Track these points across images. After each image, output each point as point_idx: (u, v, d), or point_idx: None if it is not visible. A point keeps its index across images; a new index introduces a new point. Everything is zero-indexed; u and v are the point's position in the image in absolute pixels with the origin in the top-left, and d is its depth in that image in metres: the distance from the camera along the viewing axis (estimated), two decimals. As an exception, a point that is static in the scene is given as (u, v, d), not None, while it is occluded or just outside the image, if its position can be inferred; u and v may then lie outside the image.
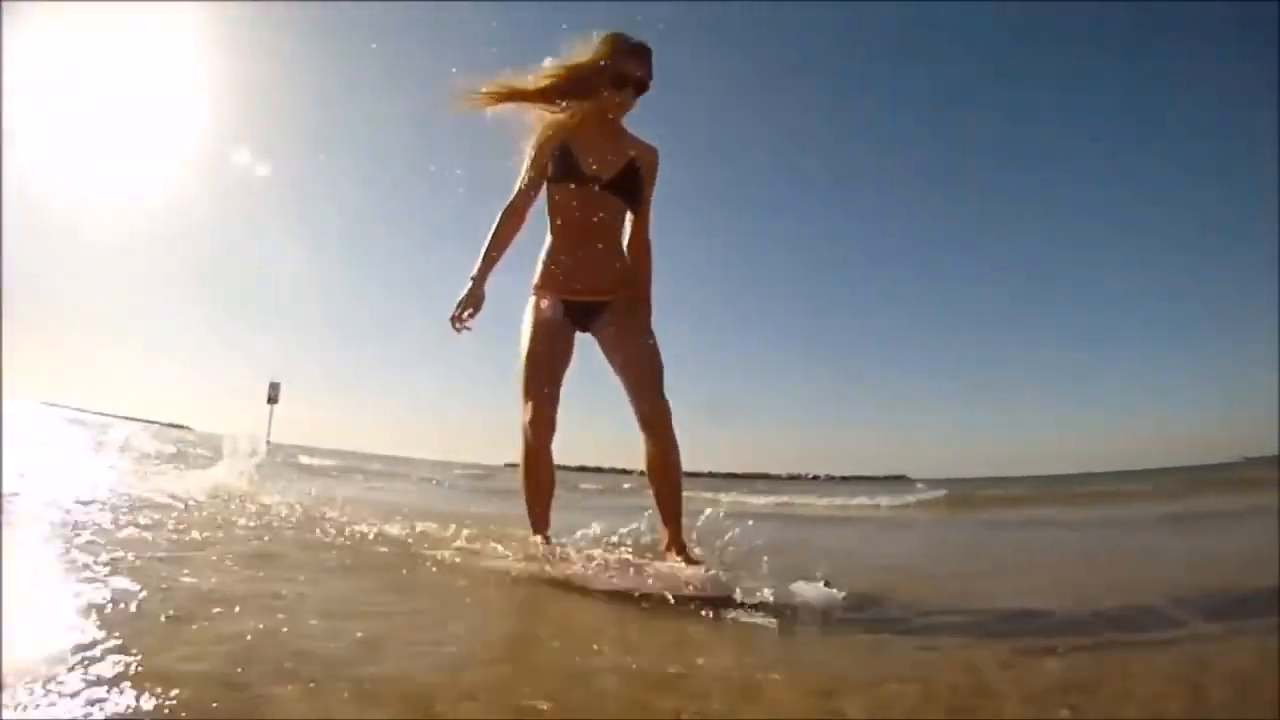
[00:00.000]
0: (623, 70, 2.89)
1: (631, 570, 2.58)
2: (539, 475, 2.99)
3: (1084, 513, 9.51)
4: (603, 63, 2.88)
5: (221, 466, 5.80)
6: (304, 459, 15.83)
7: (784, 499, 14.46)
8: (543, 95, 2.93)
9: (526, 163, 2.97)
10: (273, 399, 25.51)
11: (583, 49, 2.90)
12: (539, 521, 3.06)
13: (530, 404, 2.86)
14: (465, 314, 2.83)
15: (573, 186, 2.94)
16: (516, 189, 2.96)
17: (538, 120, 2.98)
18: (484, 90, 2.93)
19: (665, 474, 2.86)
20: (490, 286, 2.92)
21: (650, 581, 2.37)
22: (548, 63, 2.92)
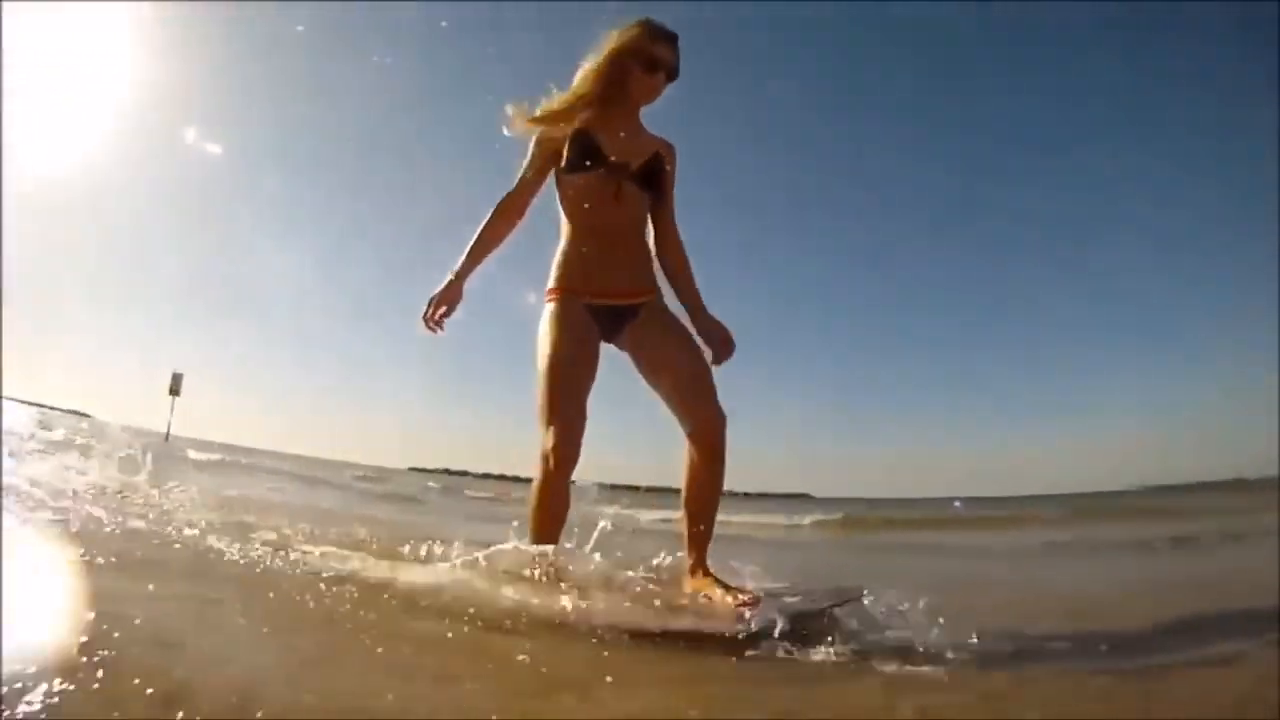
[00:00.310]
0: (656, 54, 2.69)
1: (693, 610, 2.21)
2: (556, 509, 2.49)
3: (969, 537, 9.67)
4: (636, 44, 2.69)
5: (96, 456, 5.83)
6: (193, 453, 15.22)
7: (677, 514, 14.29)
8: (594, 102, 2.67)
9: (533, 148, 2.71)
10: (174, 390, 24.56)
11: (610, 37, 2.71)
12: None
13: (555, 427, 2.43)
14: (439, 313, 2.63)
15: (600, 174, 2.66)
16: (520, 178, 2.72)
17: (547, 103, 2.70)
18: (539, 115, 2.67)
19: (714, 495, 2.61)
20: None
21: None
22: (584, 66, 2.72)
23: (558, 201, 2.73)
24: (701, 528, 2.57)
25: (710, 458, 2.57)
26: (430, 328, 2.64)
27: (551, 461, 2.40)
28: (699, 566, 2.52)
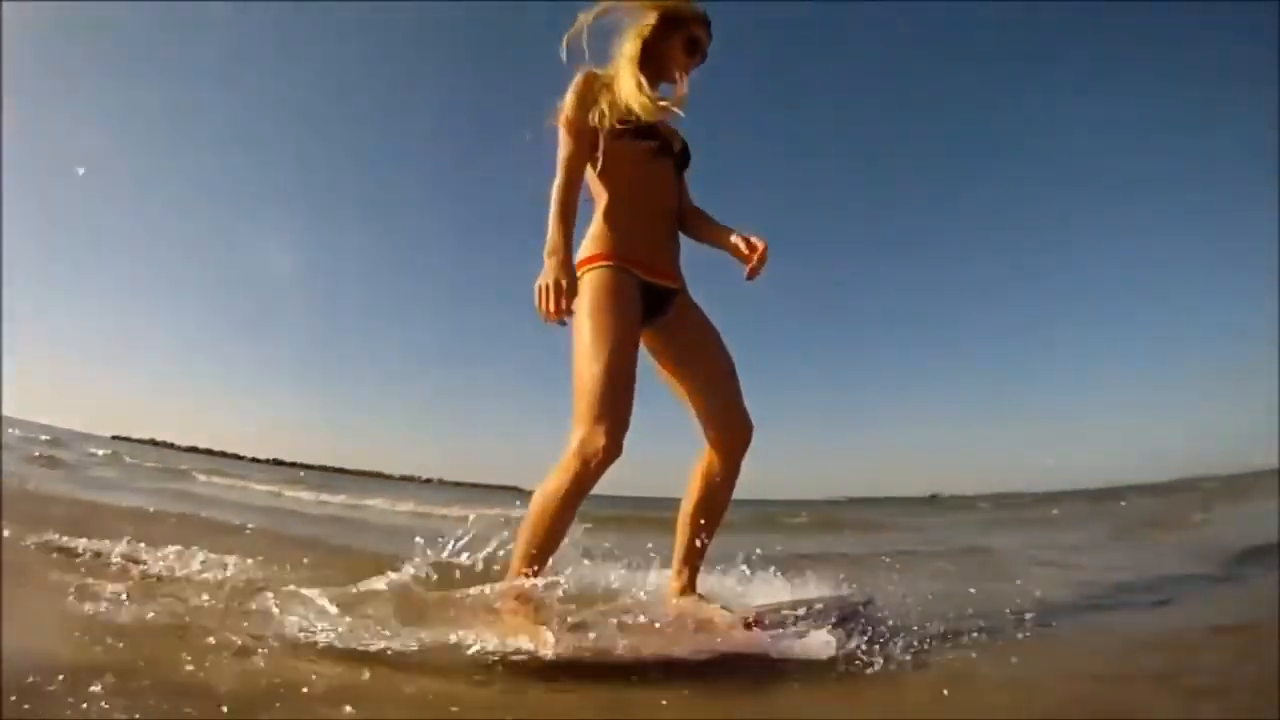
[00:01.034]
0: (698, 35, 2.53)
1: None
2: (572, 513, 2.18)
3: (886, 537, 9.71)
4: (684, 16, 2.51)
5: None
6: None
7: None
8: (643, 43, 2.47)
9: (578, 109, 2.39)
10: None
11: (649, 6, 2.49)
12: (539, 570, 2.15)
13: (610, 423, 2.14)
14: (569, 305, 2.22)
15: (654, 147, 2.49)
16: (571, 145, 2.36)
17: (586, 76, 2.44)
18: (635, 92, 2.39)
19: (725, 503, 2.47)
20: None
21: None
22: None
23: (591, 170, 2.44)
24: (704, 541, 2.42)
25: (733, 468, 2.42)
26: (559, 321, 2.21)
27: (595, 461, 2.11)
28: (690, 586, 2.40)
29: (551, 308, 2.16)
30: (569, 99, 2.38)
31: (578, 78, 2.40)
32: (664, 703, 1.64)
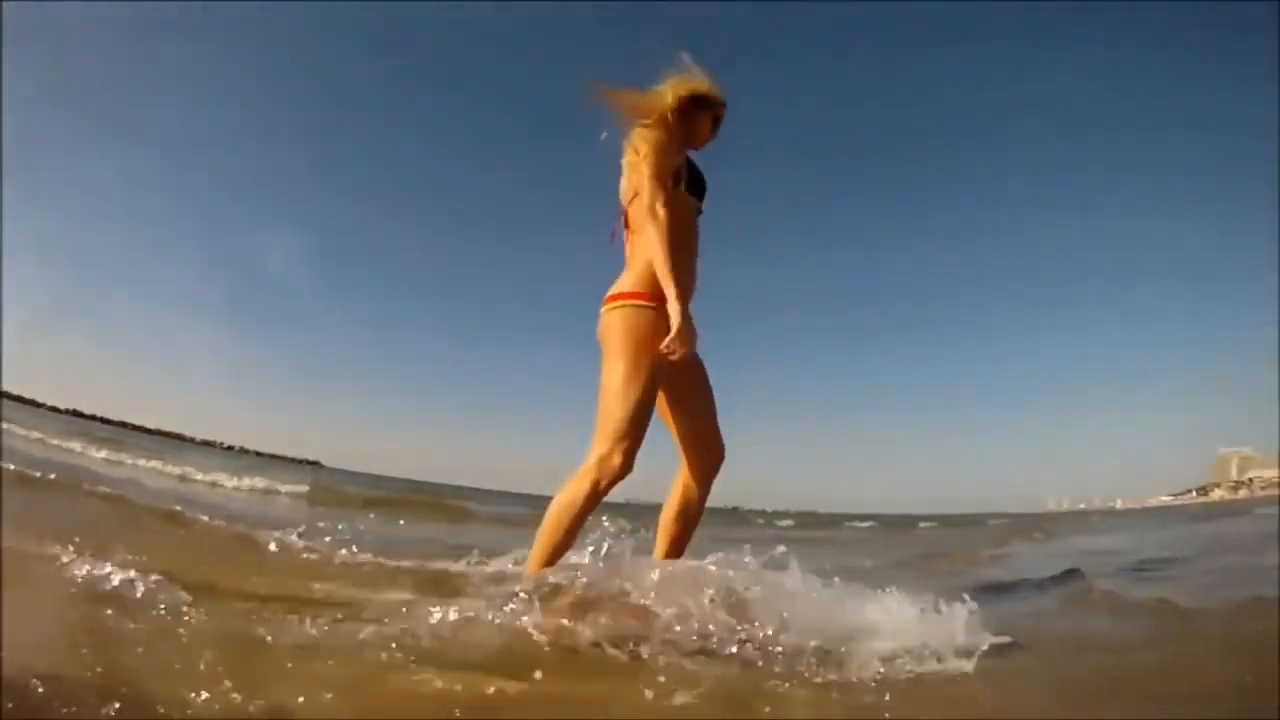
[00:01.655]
0: (721, 116, 2.89)
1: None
2: (584, 519, 2.51)
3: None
4: (717, 100, 2.84)
5: None
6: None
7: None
8: (678, 110, 2.76)
9: (663, 161, 2.67)
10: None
11: (690, 78, 2.80)
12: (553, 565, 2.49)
13: (628, 445, 2.48)
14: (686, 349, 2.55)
15: (700, 203, 2.84)
16: (662, 193, 2.62)
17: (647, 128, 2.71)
18: (624, 94, 2.79)
19: (699, 512, 2.86)
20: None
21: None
22: (669, 83, 2.78)
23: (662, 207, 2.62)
24: (682, 543, 2.81)
25: (709, 485, 2.83)
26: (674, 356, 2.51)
27: (609, 479, 2.45)
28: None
29: (685, 349, 2.51)
30: (661, 152, 2.65)
31: (663, 135, 2.68)
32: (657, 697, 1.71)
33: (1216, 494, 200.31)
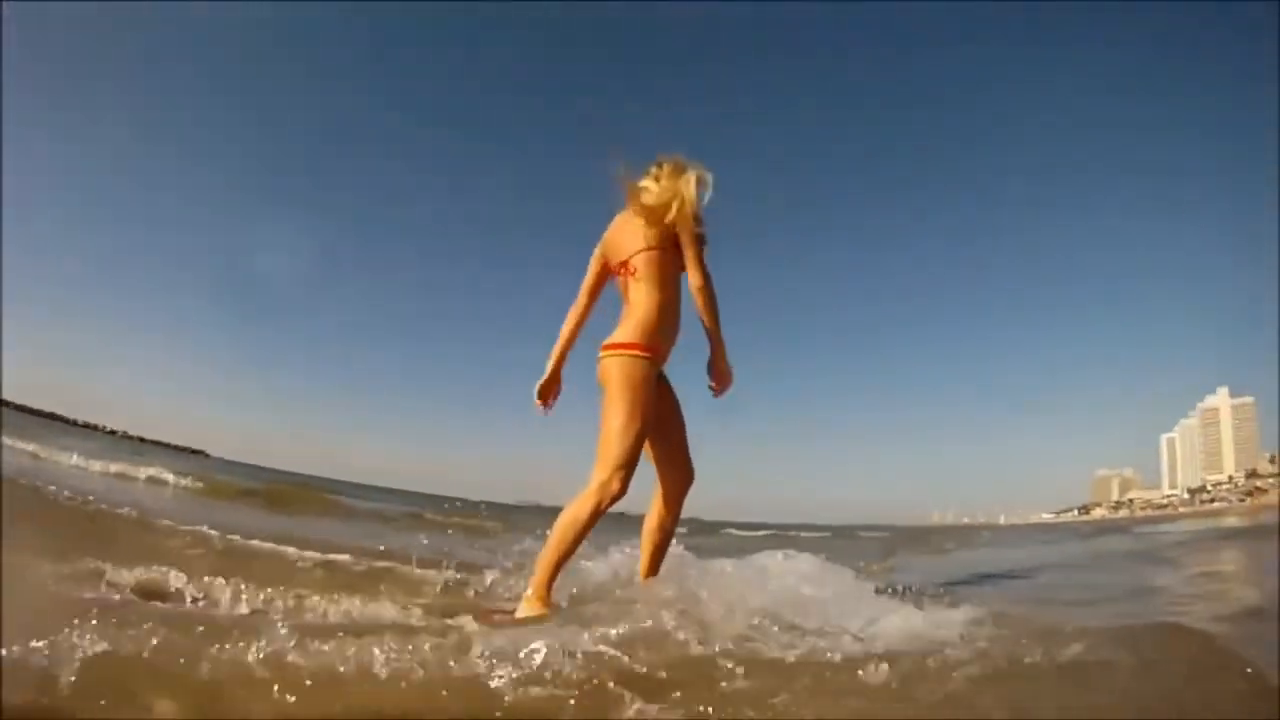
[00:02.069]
0: (704, 241, 3.41)
1: None
2: (586, 534, 3.13)
3: None
4: (706, 183, 3.38)
5: None
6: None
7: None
8: (681, 219, 3.28)
9: (699, 245, 3.34)
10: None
11: (698, 170, 3.36)
12: (552, 581, 3.11)
13: (625, 474, 3.11)
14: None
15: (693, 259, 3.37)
16: (707, 272, 3.33)
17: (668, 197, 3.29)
18: (644, 190, 3.35)
19: (675, 525, 3.49)
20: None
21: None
22: (690, 174, 3.33)
23: (663, 268, 3.34)
24: (662, 552, 3.44)
25: (681, 501, 3.46)
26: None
27: (608, 501, 3.07)
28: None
29: (726, 389, 3.46)
30: (697, 239, 3.31)
31: (691, 220, 3.29)
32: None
33: (1097, 513, 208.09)
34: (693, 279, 3.31)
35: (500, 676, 1.81)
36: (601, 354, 3.28)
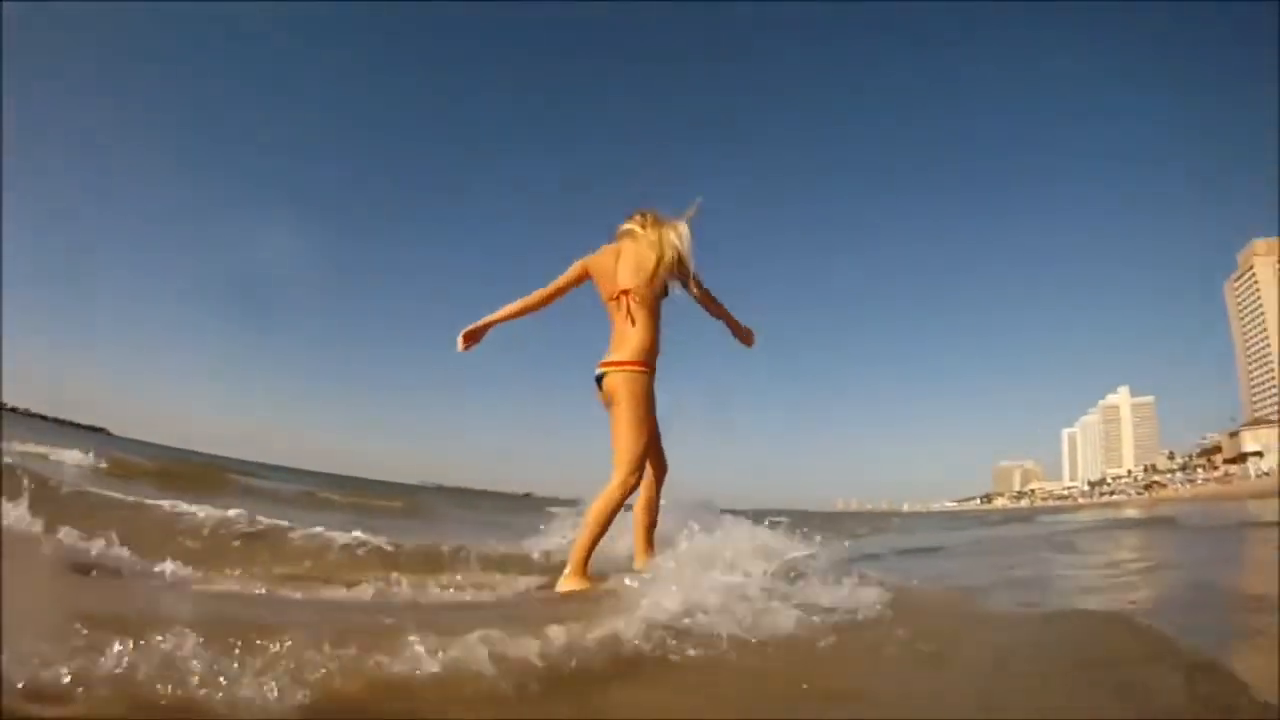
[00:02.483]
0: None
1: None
2: (611, 521, 3.85)
3: None
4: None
5: None
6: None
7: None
8: (680, 270, 4.17)
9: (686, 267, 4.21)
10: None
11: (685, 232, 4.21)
12: (587, 561, 3.78)
13: (639, 470, 3.94)
14: None
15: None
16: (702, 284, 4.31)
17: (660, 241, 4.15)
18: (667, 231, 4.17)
19: (658, 509, 4.19)
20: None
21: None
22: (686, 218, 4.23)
23: (655, 301, 4.14)
24: (651, 533, 4.13)
25: (660, 490, 4.22)
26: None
27: (628, 493, 3.89)
28: (646, 557, 3.99)
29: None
30: (689, 256, 4.16)
31: (690, 271, 4.17)
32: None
33: (999, 502, 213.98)
34: (697, 290, 4.24)
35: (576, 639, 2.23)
36: (608, 370, 4.03)
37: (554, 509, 5.98)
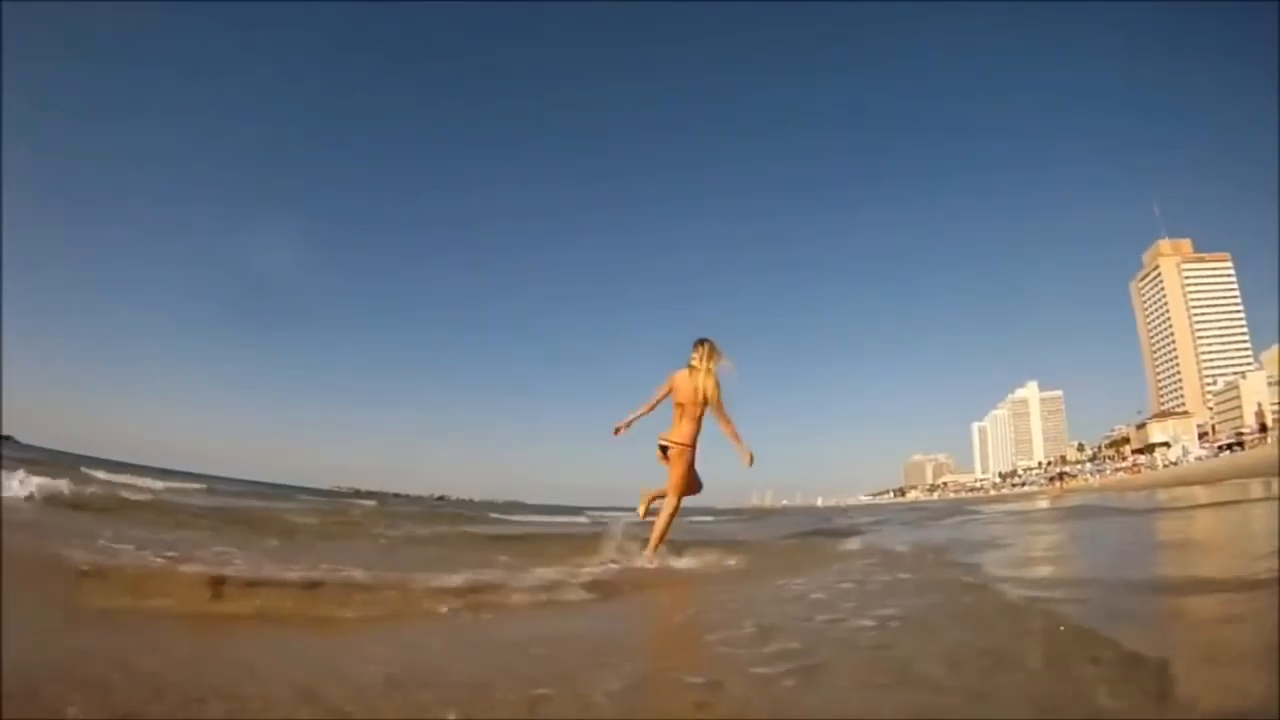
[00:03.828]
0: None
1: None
2: (671, 522, 7.34)
3: None
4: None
5: None
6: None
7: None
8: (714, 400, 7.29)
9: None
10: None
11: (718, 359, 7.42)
12: (658, 546, 7.11)
13: (683, 495, 7.36)
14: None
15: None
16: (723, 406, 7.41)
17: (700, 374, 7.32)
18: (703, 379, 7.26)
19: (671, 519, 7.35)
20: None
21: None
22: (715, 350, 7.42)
23: (701, 410, 7.30)
24: (663, 528, 7.19)
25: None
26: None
27: (679, 507, 7.30)
28: (659, 546, 7.10)
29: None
30: (718, 380, 7.31)
31: (719, 400, 7.31)
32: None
33: (912, 494, 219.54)
34: (724, 417, 7.31)
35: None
36: (669, 443, 7.28)
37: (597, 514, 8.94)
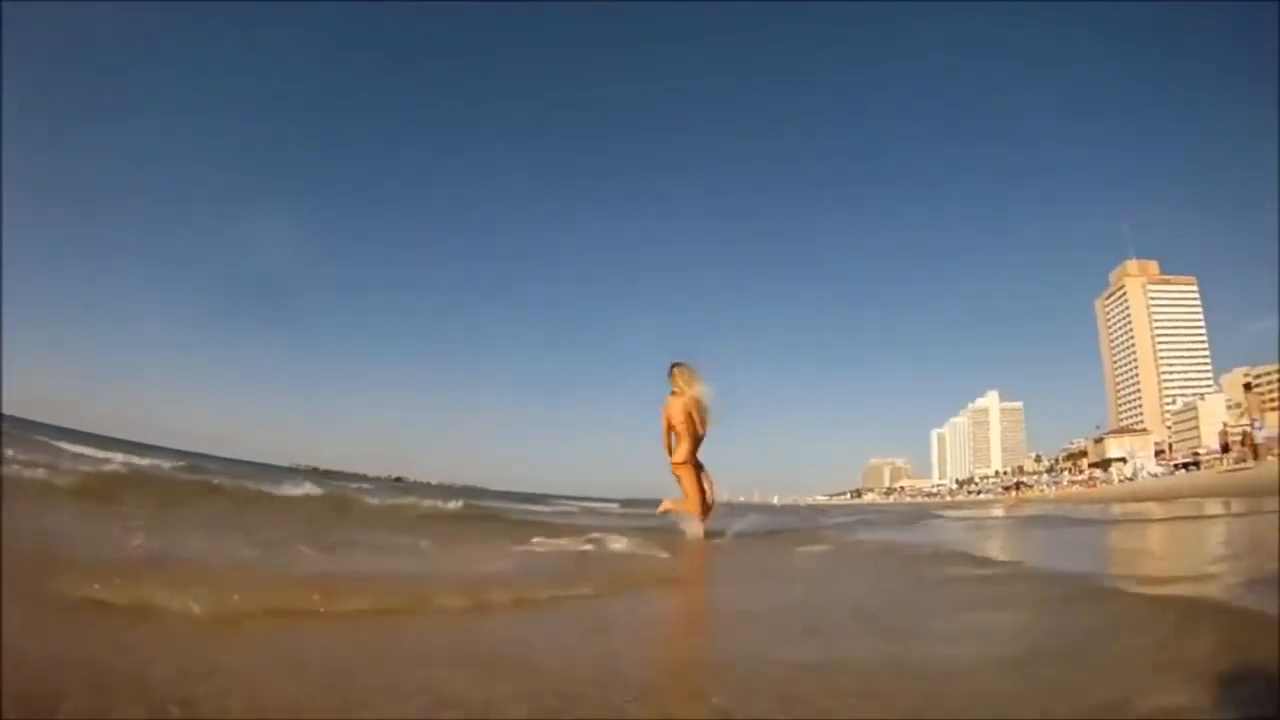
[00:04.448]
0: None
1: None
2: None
3: None
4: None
5: None
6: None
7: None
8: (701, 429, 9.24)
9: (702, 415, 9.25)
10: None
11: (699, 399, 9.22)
12: (671, 510, 9.25)
13: (692, 500, 9.08)
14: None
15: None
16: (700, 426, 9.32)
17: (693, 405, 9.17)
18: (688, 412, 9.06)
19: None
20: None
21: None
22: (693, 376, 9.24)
23: (693, 429, 9.13)
24: (709, 511, 9.37)
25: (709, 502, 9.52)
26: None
27: (693, 502, 9.10)
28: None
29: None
30: (709, 408, 9.31)
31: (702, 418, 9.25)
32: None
33: (869, 497, 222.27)
34: (701, 429, 9.06)
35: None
36: (677, 465, 8.91)
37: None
